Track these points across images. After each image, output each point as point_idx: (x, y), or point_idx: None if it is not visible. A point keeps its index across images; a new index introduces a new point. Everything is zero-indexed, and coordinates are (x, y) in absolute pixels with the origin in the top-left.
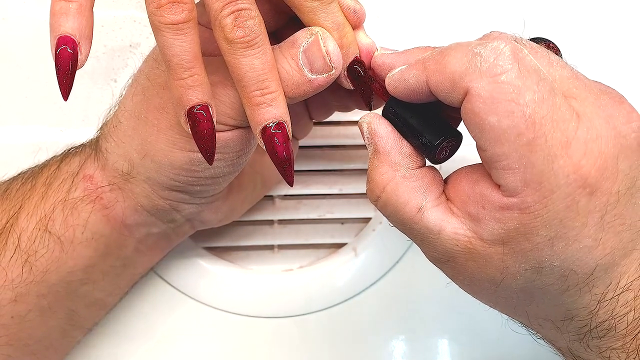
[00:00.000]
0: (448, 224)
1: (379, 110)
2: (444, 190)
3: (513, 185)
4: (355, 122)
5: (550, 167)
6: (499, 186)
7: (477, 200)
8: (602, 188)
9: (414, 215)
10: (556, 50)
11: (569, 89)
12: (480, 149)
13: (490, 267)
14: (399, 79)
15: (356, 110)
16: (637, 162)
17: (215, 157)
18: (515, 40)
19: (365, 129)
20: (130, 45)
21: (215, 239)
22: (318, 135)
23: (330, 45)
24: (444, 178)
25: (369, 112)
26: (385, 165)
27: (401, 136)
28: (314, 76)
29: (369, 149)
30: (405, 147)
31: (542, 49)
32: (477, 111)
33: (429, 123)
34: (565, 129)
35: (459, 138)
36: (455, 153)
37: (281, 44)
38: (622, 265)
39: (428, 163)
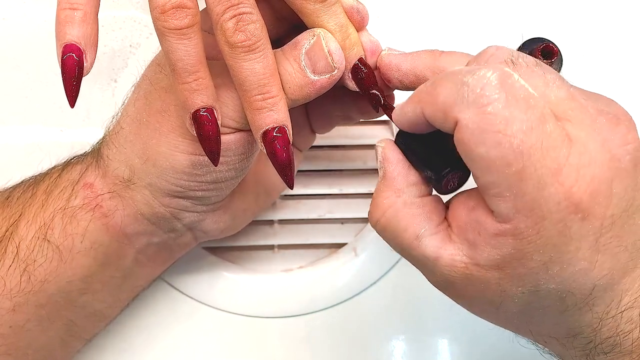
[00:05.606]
0: (445, 251)
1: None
2: (445, 217)
3: (505, 212)
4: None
5: (541, 195)
6: (493, 212)
7: (473, 226)
8: (595, 213)
9: (411, 242)
10: (556, 51)
11: (565, 110)
12: (474, 176)
13: (488, 291)
14: (400, 112)
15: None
16: (632, 183)
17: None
18: (512, 58)
19: (379, 152)
20: (130, 46)
21: (215, 239)
22: (318, 136)
23: (333, 46)
24: (445, 202)
25: (385, 138)
26: (389, 190)
27: (410, 165)
28: (316, 77)
29: (379, 172)
30: (412, 176)
31: (539, 67)
32: (467, 142)
33: (435, 154)
34: (556, 156)
35: (465, 169)
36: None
37: (284, 47)
38: (623, 283)
39: (434, 192)
